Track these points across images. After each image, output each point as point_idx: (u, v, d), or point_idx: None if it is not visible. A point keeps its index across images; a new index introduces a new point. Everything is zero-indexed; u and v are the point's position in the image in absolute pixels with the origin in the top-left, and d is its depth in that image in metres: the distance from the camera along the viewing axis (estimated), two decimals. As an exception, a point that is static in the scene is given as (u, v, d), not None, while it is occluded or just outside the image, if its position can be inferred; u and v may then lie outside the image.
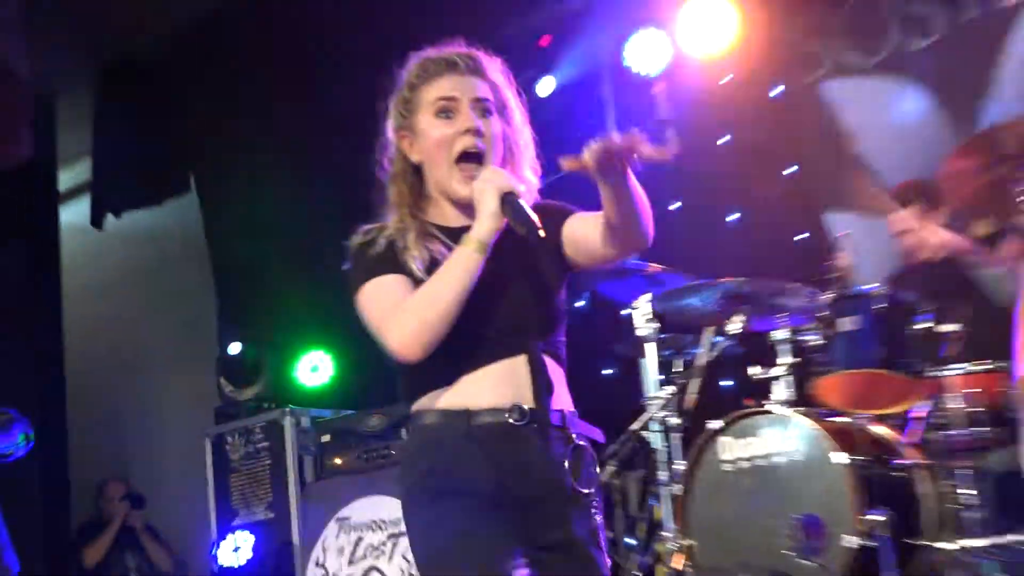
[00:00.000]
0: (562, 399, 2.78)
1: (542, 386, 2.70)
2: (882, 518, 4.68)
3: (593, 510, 2.78)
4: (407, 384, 2.77)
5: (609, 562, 2.76)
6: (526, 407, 2.68)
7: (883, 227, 6.50)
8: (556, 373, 2.77)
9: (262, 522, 7.22)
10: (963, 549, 4.75)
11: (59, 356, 8.69)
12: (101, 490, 8.46)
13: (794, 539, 4.81)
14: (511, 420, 2.67)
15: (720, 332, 5.58)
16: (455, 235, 2.71)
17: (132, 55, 8.46)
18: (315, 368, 7.97)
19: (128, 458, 9.11)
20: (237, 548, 7.10)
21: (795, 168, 7.25)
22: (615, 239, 2.67)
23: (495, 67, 2.85)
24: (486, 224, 2.59)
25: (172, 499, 8.54)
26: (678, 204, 6.94)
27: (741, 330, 5.53)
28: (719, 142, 7.37)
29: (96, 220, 8.70)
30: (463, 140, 2.72)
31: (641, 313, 5.61)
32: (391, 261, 2.71)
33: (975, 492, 4.82)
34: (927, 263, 5.76)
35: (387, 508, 6.39)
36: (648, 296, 5.63)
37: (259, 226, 8.12)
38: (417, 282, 2.67)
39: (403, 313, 2.61)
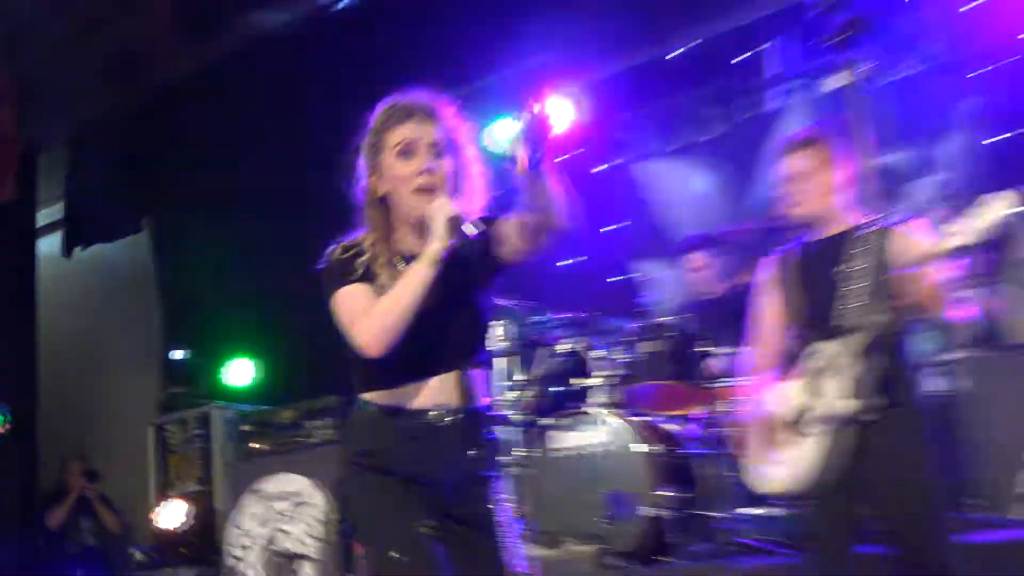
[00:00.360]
0: (481, 399, 2.67)
1: (466, 396, 2.62)
2: (670, 494, 4.81)
3: (496, 490, 2.69)
4: (361, 379, 2.65)
5: (515, 527, 2.66)
6: (449, 415, 2.60)
7: (678, 272, 6.64)
8: (478, 379, 2.67)
9: (193, 493, 7.13)
10: (730, 517, 4.86)
11: (33, 358, 8.45)
12: (64, 466, 8.22)
13: (605, 510, 4.88)
14: (435, 421, 2.59)
15: (554, 351, 5.57)
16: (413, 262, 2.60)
17: (100, 120, 8.28)
18: (240, 372, 7.86)
19: (86, 440, 8.87)
20: (173, 514, 6.99)
21: (614, 226, 7.38)
22: (530, 231, 2.57)
23: (450, 112, 2.67)
24: (436, 243, 2.48)
25: (122, 474, 8.33)
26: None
27: (569, 349, 5.54)
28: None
29: (66, 251, 8.50)
30: (419, 178, 2.57)
31: (495, 334, 5.59)
32: (363, 276, 2.58)
33: (739, 474, 4.89)
34: (709, 299, 5.84)
35: (293, 483, 6.37)
36: (502, 321, 5.63)
37: (196, 259, 8.00)
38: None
39: (368, 318, 2.50)
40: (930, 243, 3.09)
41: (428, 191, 2.57)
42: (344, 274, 2.59)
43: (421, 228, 2.58)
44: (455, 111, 2.69)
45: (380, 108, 2.69)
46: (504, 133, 7.04)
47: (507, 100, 7.09)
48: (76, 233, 8.50)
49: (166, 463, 7.36)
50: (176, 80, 7.83)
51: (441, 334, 2.59)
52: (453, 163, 2.63)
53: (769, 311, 3.55)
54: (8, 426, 4.90)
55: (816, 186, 3.39)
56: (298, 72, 7.29)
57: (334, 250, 2.66)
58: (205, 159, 7.82)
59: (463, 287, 2.62)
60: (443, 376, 2.61)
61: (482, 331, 2.72)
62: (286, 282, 7.64)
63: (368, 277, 2.58)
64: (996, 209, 2.94)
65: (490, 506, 2.67)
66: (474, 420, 2.65)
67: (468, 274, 2.61)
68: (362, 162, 2.68)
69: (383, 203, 2.66)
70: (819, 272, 3.38)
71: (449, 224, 2.49)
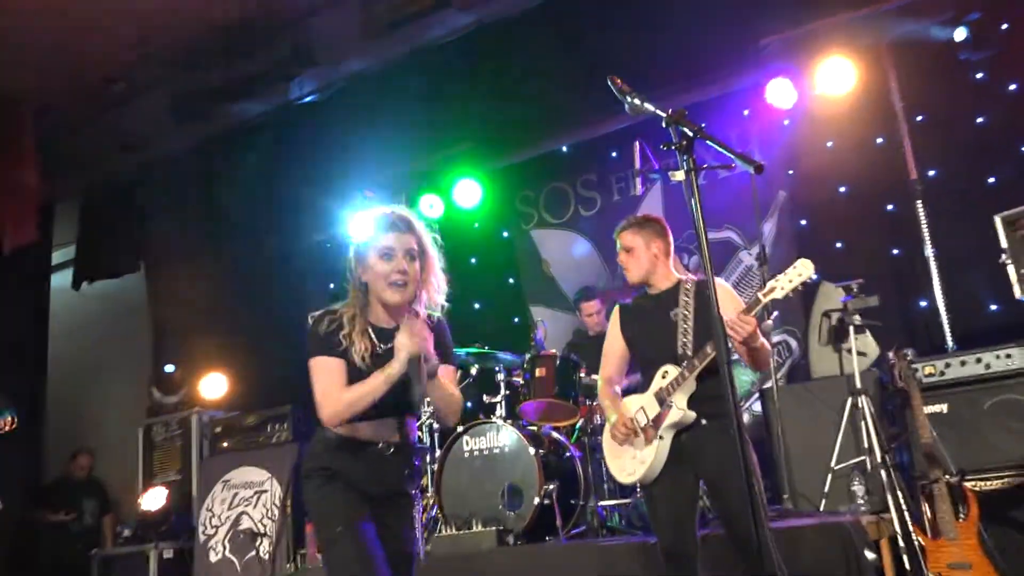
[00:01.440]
0: (412, 436, 2.80)
1: (402, 434, 2.74)
2: (554, 487, 4.79)
3: (414, 502, 2.86)
4: None
5: (417, 531, 2.80)
6: (388, 447, 2.71)
7: (563, 316, 6.66)
8: (412, 423, 2.80)
9: (173, 481, 6.92)
10: (600, 506, 4.87)
11: (44, 370, 8.21)
12: (73, 458, 7.81)
13: (504, 499, 4.86)
14: (380, 450, 2.71)
15: (466, 374, 5.49)
16: (382, 333, 2.73)
17: (107, 181, 8.08)
18: (213, 385, 7.60)
19: (88, 439, 8.50)
20: (155, 498, 6.73)
21: (511, 280, 7.41)
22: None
23: (421, 226, 2.80)
24: (395, 371, 2.59)
25: (115, 466, 8.01)
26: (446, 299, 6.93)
27: (476, 372, 5.52)
28: (472, 261, 7.47)
29: (75, 285, 8.26)
30: (394, 275, 2.70)
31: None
32: (339, 347, 2.68)
33: (605, 471, 4.77)
34: (590, 335, 5.93)
35: (255, 475, 6.28)
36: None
37: (180, 294, 7.78)
38: (351, 367, 2.67)
39: (336, 403, 2.62)
40: (741, 297, 3.15)
41: (401, 285, 2.71)
42: (326, 345, 2.69)
43: (388, 308, 2.75)
44: (424, 225, 2.81)
45: (371, 217, 2.79)
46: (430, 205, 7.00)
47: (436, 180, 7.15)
48: (84, 270, 8.25)
49: (152, 456, 7.13)
50: (169, 154, 7.69)
51: (389, 399, 2.66)
52: (420, 264, 2.76)
53: (614, 346, 3.56)
54: (15, 424, 4.60)
55: (641, 259, 3.44)
56: (267, 151, 7.22)
57: (321, 318, 2.75)
58: (189, 216, 7.73)
59: (406, 379, 2.69)
60: (387, 419, 2.72)
61: (418, 397, 2.79)
62: (252, 314, 7.51)
63: (345, 348, 2.68)
64: (802, 272, 3.04)
65: (408, 516, 2.83)
66: (406, 451, 2.77)
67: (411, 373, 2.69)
68: (354, 258, 2.78)
69: (364, 287, 2.77)
70: (658, 316, 3.40)
71: (409, 359, 2.59)
